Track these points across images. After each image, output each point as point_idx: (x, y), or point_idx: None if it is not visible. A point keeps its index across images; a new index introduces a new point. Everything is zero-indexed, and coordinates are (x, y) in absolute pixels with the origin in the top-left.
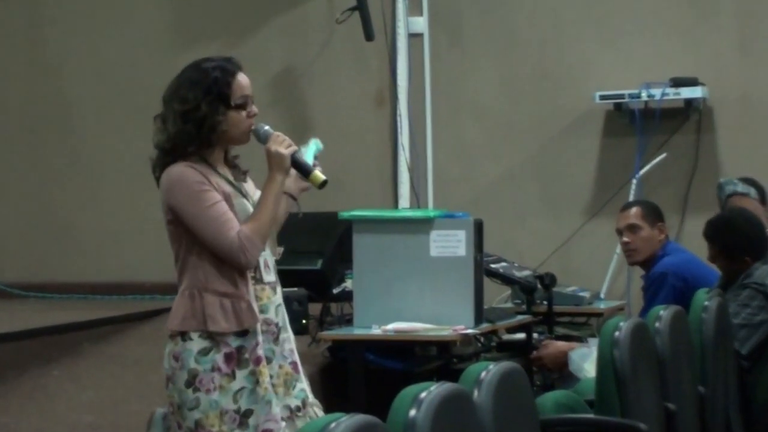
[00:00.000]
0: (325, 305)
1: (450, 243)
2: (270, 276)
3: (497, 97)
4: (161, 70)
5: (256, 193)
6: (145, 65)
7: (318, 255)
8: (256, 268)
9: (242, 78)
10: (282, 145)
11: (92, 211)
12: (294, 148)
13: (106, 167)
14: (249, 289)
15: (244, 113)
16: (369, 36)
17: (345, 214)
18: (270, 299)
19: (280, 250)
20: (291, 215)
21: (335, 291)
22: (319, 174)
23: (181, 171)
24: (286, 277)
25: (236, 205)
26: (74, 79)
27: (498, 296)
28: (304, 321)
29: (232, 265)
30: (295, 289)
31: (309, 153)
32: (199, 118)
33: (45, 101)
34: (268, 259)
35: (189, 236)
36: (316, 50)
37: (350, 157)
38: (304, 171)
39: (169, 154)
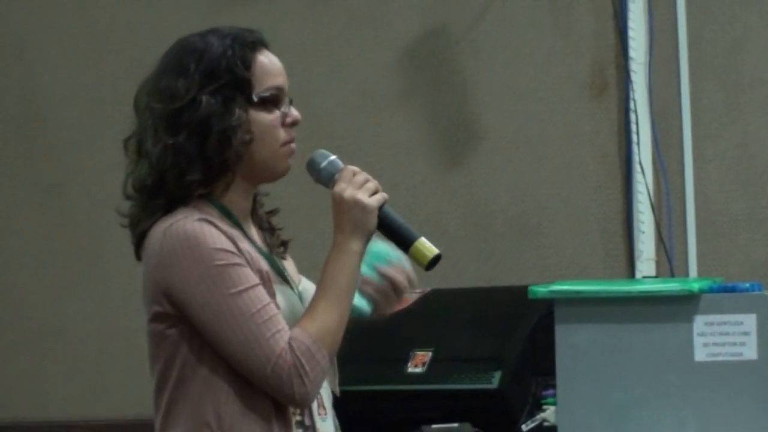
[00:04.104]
0: None
1: (730, 338)
2: (327, 424)
3: None
4: None
5: (300, 281)
6: (173, 37)
7: (494, 364)
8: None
9: (269, 58)
10: (362, 188)
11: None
12: (384, 195)
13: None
14: None
15: (275, 114)
16: None
17: (540, 290)
18: None
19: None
20: None
21: (525, 427)
22: (427, 245)
23: (191, 229)
24: (434, 404)
25: (278, 295)
26: (41, 69)
27: None
28: None
29: (275, 399)
30: (454, 425)
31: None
32: (198, 122)
33: None
34: (322, 393)
35: (194, 344)
36: (480, 1)
37: (546, 185)
38: (401, 238)
39: (154, 197)
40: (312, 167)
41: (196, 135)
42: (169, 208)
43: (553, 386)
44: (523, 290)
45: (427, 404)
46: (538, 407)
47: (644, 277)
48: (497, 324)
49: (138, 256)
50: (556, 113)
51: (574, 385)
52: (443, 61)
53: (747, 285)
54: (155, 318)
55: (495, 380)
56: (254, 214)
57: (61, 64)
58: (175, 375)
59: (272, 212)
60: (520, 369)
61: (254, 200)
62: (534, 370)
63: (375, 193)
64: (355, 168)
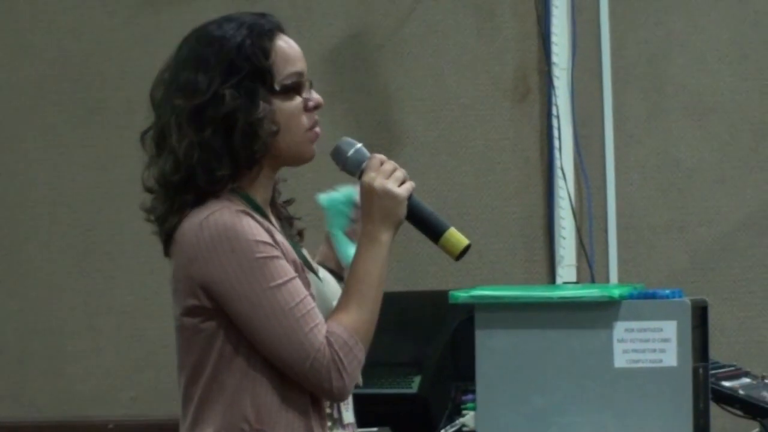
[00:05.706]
0: None
1: (650, 344)
2: (349, 413)
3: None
4: (127, 47)
5: (318, 268)
6: (98, 38)
7: (413, 369)
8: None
9: (287, 43)
10: (391, 177)
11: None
12: (412, 184)
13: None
14: None
15: (297, 101)
16: None
17: (461, 295)
18: None
19: None
20: None
21: (445, 431)
22: (458, 235)
23: (230, 221)
24: (354, 408)
25: (310, 285)
26: None
27: None
28: None
29: (311, 392)
30: (374, 430)
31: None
32: (223, 117)
33: None
34: None
35: (230, 337)
36: (406, 3)
37: (468, 190)
38: (432, 228)
39: (181, 192)
40: (338, 155)
41: (221, 130)
42: (198, 202)
43: (473, 391)
44: (443, 295)
45: None
46: (458, 412)
47: (565, 282)
48: (417, 329)
49: (167, 253)
50: (478, 118)
51: (493, 391)
52: (366, 65)
53: (667, 292)
54: (189, 312)
55: (415, 385)
56: (273, 205)
57: None
58: (210, 368)
59: (288, 202)
60: (440, 374)
61: (273, 190)
62: (454, 375)
63: (404, 182)
64: (382, 156)
